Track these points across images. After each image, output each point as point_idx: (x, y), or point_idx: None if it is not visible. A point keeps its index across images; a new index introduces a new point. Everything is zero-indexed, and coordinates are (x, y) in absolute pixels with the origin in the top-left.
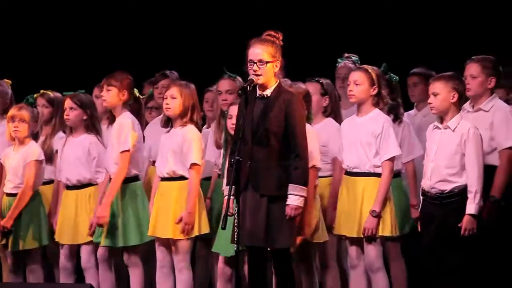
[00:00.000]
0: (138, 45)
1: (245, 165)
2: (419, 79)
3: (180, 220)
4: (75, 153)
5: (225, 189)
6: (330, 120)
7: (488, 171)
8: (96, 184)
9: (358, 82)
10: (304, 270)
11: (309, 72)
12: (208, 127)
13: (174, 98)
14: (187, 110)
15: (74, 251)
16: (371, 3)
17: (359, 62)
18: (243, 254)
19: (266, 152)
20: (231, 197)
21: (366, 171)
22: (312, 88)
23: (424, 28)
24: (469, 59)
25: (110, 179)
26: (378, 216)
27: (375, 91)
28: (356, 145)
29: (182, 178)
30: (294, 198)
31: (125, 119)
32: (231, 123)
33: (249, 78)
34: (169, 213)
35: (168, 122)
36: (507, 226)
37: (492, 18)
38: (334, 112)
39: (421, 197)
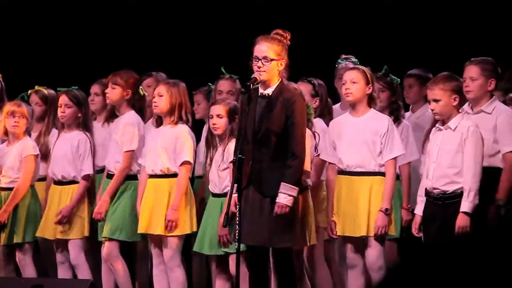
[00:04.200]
0: (134, 43)
1: (247, 164)
2: (414, 81)
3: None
4: (63, 149)
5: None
6: (318, 121)
7: (492, 173)
8: (79, 182)
9: (355, 80)
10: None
11: (307, 72)
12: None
13: (161, 96)
14: (174, 108)
15: (66, 245)
16: (369, 4)
17: (358, 63)
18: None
19: (267, 152)
20: (234, 195)
21: (371, 171)
22: (303, 88)
23: (422, 30)
24: (468, 61)
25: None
26: (389, 214)
27: (370, 90)
28: (358, 144)
29: (175, 175)
30: (283, 196)
31: (131, 119)
32: (212, 122)
33: (253, 76)
34: (163, 210)
35: (160, 121)
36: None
37: (490, 20)
38: (324, 114)
39: (424, 198)
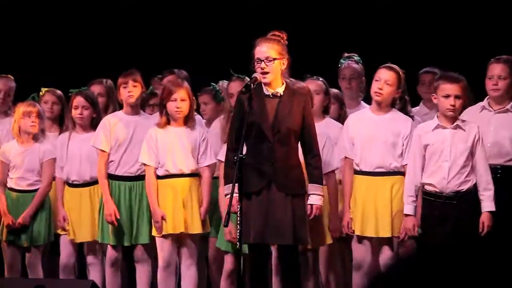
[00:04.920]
0: (137, 44)
1: (265, 164)
2: (433, 78)
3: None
4: (85, 150)
5: (226, 187)
6: (331, 121)
7: None
8: None
9: (390, 82)
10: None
11: (307, 70)
12: None
13: (184, 100)
14: (192, 111)
15: (77, 248)
16: (370, 2)
17: (361, 61)
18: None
19: (286, 151)
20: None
21: (391, 170)
22: (316, 86)
23: (424, 27)
24: (493, 58)
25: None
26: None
27: (399, 94)
28: (378, 144)
29: (198, 174)
30: (317, 198)
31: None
32: None
33: (253, 76)
34: (197, 209)
35: (167, 123)
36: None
37: (490, 19)
38: (338, 111)
39: (415, 197)
